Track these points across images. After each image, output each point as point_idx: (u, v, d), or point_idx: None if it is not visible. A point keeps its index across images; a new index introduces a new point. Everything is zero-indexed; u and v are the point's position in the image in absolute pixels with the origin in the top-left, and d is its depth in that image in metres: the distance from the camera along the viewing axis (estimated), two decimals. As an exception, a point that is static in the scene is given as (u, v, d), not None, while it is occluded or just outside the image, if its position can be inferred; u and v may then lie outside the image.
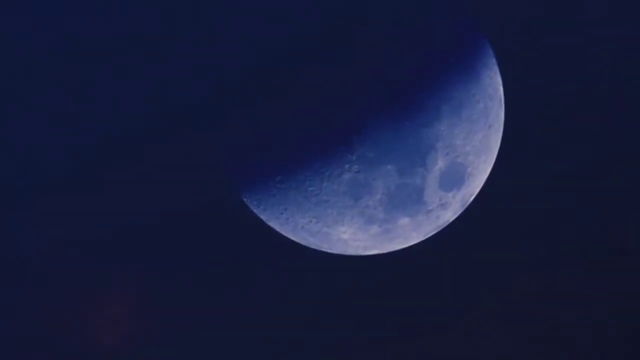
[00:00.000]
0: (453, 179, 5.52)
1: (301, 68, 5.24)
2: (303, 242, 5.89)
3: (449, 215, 5.80)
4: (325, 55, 5.24)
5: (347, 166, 5.22)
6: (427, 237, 5.92)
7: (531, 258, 7.61)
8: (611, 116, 7.55)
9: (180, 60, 7.09)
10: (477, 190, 5.91)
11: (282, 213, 5.59)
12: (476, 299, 7.50)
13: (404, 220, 5.51)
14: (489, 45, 5.73)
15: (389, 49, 5.21)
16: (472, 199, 5.91)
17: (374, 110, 5.15)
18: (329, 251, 5.88)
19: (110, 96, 7.22)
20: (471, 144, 5.46)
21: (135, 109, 7.22)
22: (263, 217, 5.81)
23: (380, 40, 5.23)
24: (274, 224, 5.82)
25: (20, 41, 7.23)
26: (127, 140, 7.28)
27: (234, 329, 7.51)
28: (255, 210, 5.78)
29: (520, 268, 7.55)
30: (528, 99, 7.33)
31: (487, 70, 5.65)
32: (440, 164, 5.35)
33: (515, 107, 6.15)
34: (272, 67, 5.32)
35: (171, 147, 7.12)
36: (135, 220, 7.31)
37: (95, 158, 7.32)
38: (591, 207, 7.56)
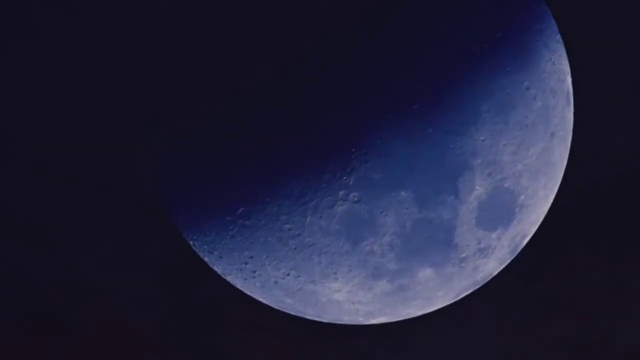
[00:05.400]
0: (498, 212, 4.78)
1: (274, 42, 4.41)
2: (277, 306, 5.21)
3: (493, 265, 5.07)
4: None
5: (342, 193, 4.52)
6: (459, 298, 5.24)
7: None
8: None
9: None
10: (534, 229, 5.20)
11: (246, 263, 4.88)
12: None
13: (426, 273, 4.81)
14: (551, 16, 5.02)
15: (404, 20, 4.42)
16: (526, 241, 5.20)
17: (381, 110, 4.41)
18: (316, 319, 5.26)
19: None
20: (524, 162, 4.75)
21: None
22: (218, 268, 5.12)
23: (392, 6, 4.40)
24: (234, 279, 5.12)
25: None
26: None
27: None
28: (206, 259, 5.11)
29: (600, 344, 6.40)
30: (609, 95, 6.39)
31: (549, 52, 4.88)
32: (479, 190, 4.61)
33: (589, 106, 5.43)
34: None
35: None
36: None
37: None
38: None
